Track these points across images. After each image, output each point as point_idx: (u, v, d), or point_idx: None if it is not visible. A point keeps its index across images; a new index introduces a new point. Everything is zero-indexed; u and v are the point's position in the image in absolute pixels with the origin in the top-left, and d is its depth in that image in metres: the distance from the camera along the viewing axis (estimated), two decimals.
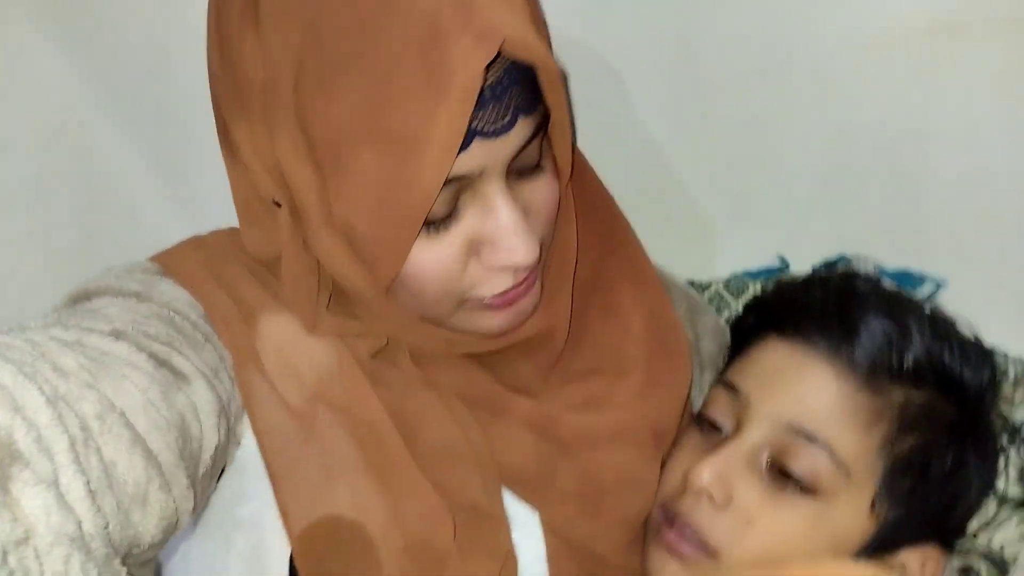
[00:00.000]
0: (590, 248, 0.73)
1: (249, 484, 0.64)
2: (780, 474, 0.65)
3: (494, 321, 0.66)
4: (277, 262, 0.67)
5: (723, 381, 0.71)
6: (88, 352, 0.53)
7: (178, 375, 0.58)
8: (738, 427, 0.68)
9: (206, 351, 0.62)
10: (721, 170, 0.90)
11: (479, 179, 0.59)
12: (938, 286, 0.86)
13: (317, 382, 0.64)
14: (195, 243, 0.72)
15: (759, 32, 0.82)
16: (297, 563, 0.61)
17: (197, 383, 0.58)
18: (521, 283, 0.65)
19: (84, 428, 0.48)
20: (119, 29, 0.93)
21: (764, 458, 0.66)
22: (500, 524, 0.65)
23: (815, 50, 0.81)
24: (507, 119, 0.58)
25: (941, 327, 0.69)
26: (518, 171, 0.62)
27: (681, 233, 0.87)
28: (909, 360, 0.66)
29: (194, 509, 0.56)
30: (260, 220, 0.66)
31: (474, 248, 0.62)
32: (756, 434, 0.66)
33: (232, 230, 0.73)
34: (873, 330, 0.66)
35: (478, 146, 0.57)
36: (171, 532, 0.54)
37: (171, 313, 0.62)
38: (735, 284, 0.93)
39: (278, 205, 0.62)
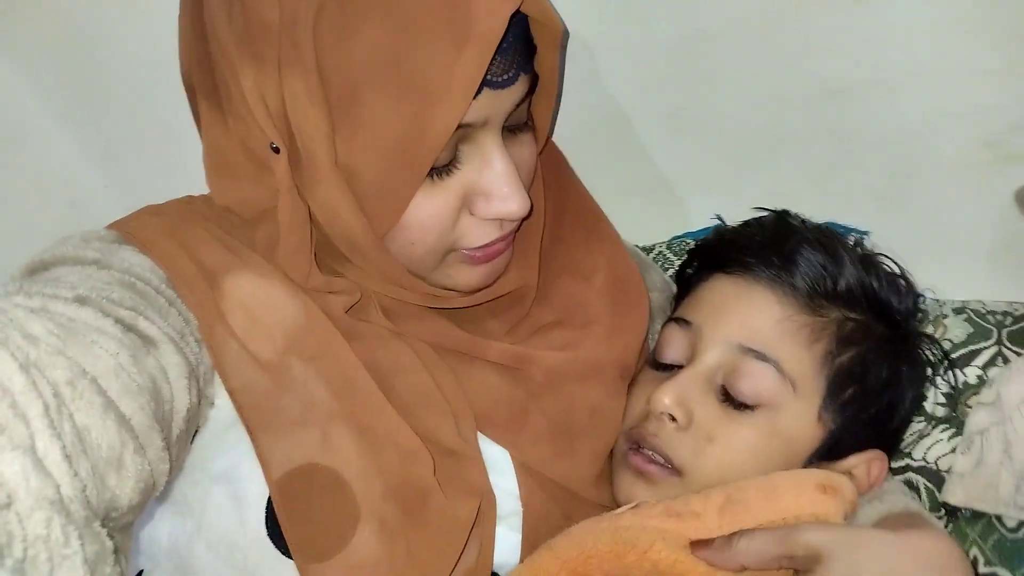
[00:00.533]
0: (550, 208, 0.77)
1: (224, 440, 0.65)
2: (734, 393, 0.70)
3: (471, 276, 0.69)
4: (255, 218, 0.68)
5: (674, 319, 0.76)
6: (55, 318, 0.52)
7: (145, 339, 0.57)
8: (692, 356, 0.73)
9: (171, 315, 0.62)
10: (666, 135, 0.94)
11: (480, 130, 0.62)
12: (862, 237, 0.92)
13: (288, 336, 0.65)
14: (152, 210, 0.72)
15: None
16: (276, 509, 0.62)
17: (165, 347, 0.58)
18: (503, 239, 0.68)
19: (56, 395, 0.48)
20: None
21: (719, 380, 0.71)
22: (476, 464, 0.67)
23: (755, 12, 0.84)
24: (512, 72, 0.61)
25: (868, 259, 0.76)
26: (509, 128, 0.65)
27: (628, 199, 0.91)
28: (842, 284, 0.72)
29: (169, 472, 0.56)
30: (245, 172, 0.66)
31: (468, 200, 0.64)
32: (710, 358, 0.71)
33: (188, 198, 0.74)
34: (809, 259, 0.72)
35: (486, 96, 0.60)
36: (148, 495, 0.54)
37: (132, 279, 0.61)
38: (677, 245, 0.98)
39: (276, 151, 0.63)
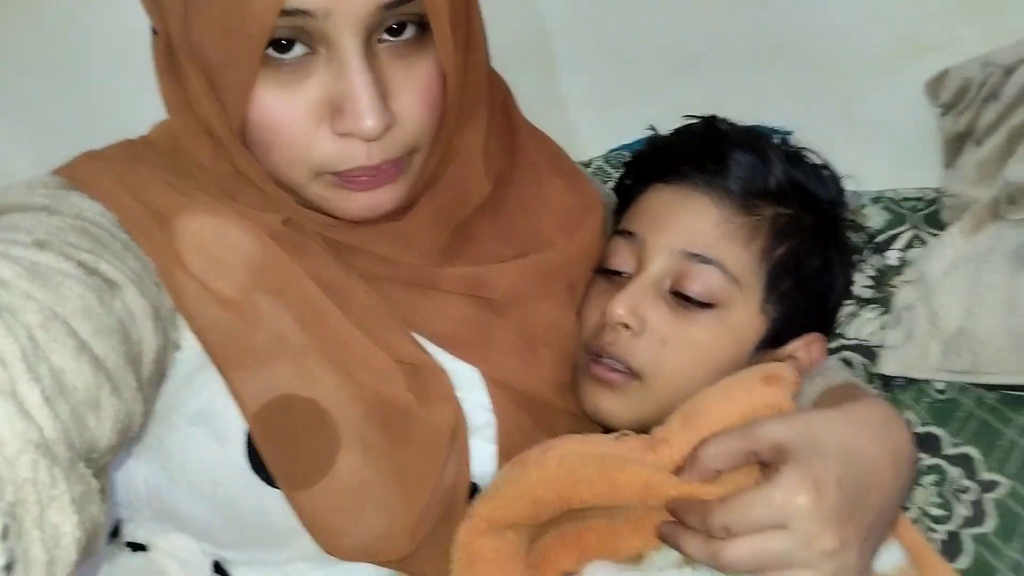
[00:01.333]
0: (503, 153, 0.76)
1: (194, 382, 0.64)
2: (682, 297, 0.74)
3: (350, 204, 0.65)
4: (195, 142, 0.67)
5: (619, 231, 0.80)
6: (20, 263, 0.51)
7: (109, 282, 0.56)
8: (639, 265, 0.76)
9: (128, 259, 0.60)
10: (593, 51, 0.97)
11: (332, 29, 0.58)
12: (786, 135, 0.96)
13: (250, 272, 0.64)
14: (93, 155, 0.69)
15: None
16: (256, 442, 0.62)
17: (128, 289, 0.57)
18: (376, 174, 0.64)
19: (31, 338, 0.47)
20: None
21: (666, 285, 0.74)
22: (439, 374, 0.68)
23: None
24: None
25: (795, 155, 0.80)
26: (387, 42, 0.61)
27: (561, 117, 0.93)
28: (772, 183, 0.76)
29: (143, 413, 0.56)
30: (160, 67, 0.66)
31: (326, 112, 0.61)
32: (656, 266, 0.75)
33: (128, 141, 0.72)
34: (740, 161, 0.75)
35: None
36: (125, 435, 0.54)
37: (85, 223, 0.59)
38: (614, 158, 1.02)
39: (155, 33, 0.63)
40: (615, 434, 0.71)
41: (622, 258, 0.78)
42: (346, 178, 0.63)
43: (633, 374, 0.73)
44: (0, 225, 0.57)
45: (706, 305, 0.74)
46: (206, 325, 0.63)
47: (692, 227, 0.75)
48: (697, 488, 0.64)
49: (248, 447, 0.63)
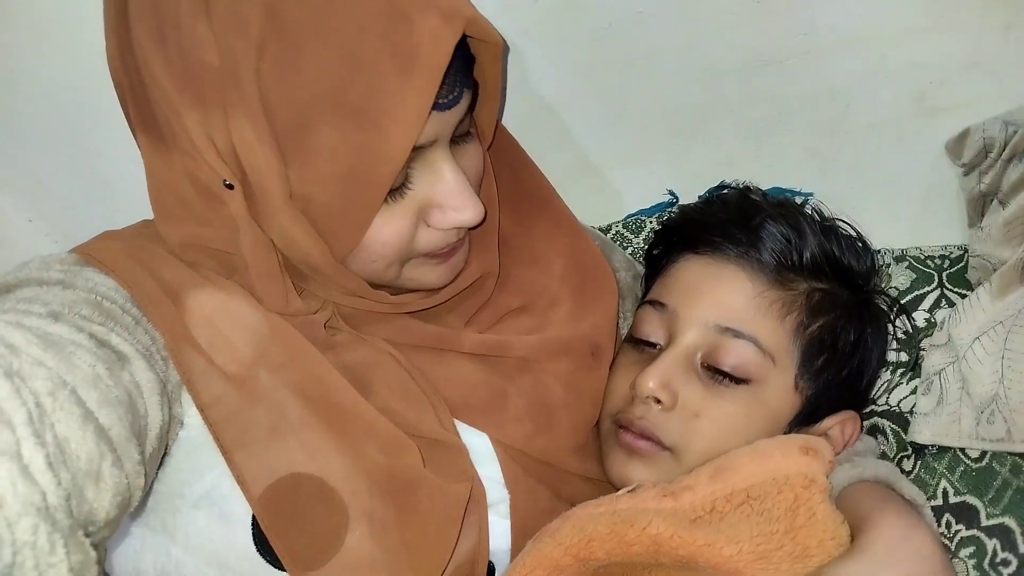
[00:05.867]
0: (507, 200, 0.78)
1: (200, 461, 0.65)
2: (715, 371, 0.73)
3: (434, 275, 0.71)
4: (208, 252, 0.68)
5: (649, 301, 0.79)
6: (33, 331, 0.52)
7: (119, 355, 0.57)
8: (670, 338, 0.76)
9: (138, 333, 0.62)
10: (606, 116, 0.96)
11: (428, 148, 0.63)
12: (807, 198, 0.96)
13: (254, 348, 0.65)
14: (110, 235, 0.71)
15: None
16: (262, 526, 0.62)
17: (137, 363, 0.58)
18: (460, 240, 0.70)
19: (38, 404, 0.48)
20: None
21: (698, 359, 0.74)
22: (460, 451, 0.69)
23: None
24: (456, 92, 0.63)
25: (827, 226, 0.80)
26: (455, 138, 0.67)
27: (578, 183, 0.93)
28: (807, 256, 0.76)
29: (144, 487, 0.56)
30: (196, 206, 0.66)
31: (423, 213, 0.66)
32: (689, 339, 0.74)
33: (144, 222, 0.73)
34: (774, 234, 0.75)
35: (433, 118, 0.61)
36: (124, 509, 0.54)
37: (98, 298, 0.61)
38: (633, 223, 1.01)
39: (229, 187, 0.63)
40: (628, 487, 0.70)
41: (652, 329, 0.77)
42: (433, 255, 0.69)
43: (664, 447, 0.73)
44: (17, 297, 0.59)
45: (740, 381, 0.73)
46: (209, 399, 0.64)
47: (726, 300, 0.74)
48: (710, 546, 0.63)
49: (254, 530, 0.63)
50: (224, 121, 0.61)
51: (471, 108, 0.67)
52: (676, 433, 0.72)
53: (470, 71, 0.65)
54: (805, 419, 0.75)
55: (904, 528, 0.62)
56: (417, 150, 0.62)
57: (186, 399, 0.65)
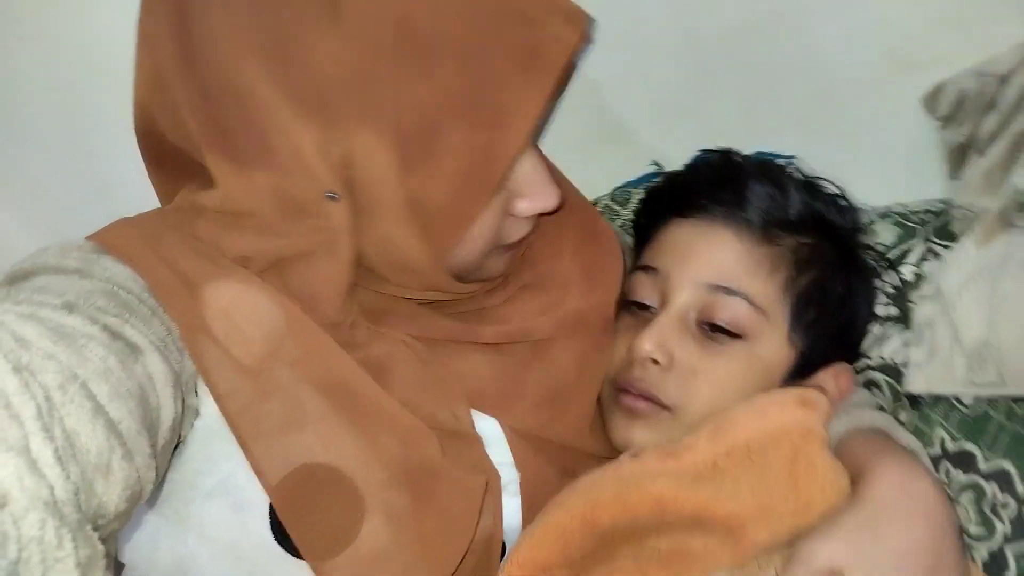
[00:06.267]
0: None
1: (216, 451, 0.65)
2: (710, 328, 0.74)
3: (500, 264, 0.73)
4: (272, 265, 0.67)
5: (640, 267, 0.80)
6: (45, 323, 0.52)
7: (132, 347, 0.57)
8: (664, 300, 0.77)
9: (154, 324, 0.61)
10: (591, 91, 0.96)
11: None
12: (789, 160, 0.97)
13: (270, 339, 0.65)
14: (127, 222, 0.70)
15: None
16: (279, 514, 0.62)
17: (151, 355, 0.58)
18: (534, 227, 0.72)
19: (48, 398, 0.48)
20: None
21: (692, 319, 0.75)
22: (476, 443, 0.70)
23: None
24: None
25: (811, 185, 0.81)
26: None
27: (564, 155, 0.94)
28: (792, 213, 0.77)
29: (155, 480, 0.56)
30: (271, 221, 0.65)
31: (508, 204, 0.68)
32: (682, 300, 0.75)
33: (160, 210, 0.73)
34: (759, 193, 0.76)
35: None
36: (134, 502, 0.54)
37: (115, 288, 0.61)
38: (620, 195, 1.02)
39: (332, 198, 0.63)
40: (630, 451, 0.71)
41: (646, 292, 0.78)
42: (508, 246, 0.71)
43: (663, 407, 0.74)
44: (32, 286, 0.59)
45: (734, 336, 0.74)
46: (226, 391, 0.63)
47: (715, 260, 0.75)
48: (713, 501, 0.64)
49: (271, 518, 0.63)
50: (345, 133, 0.61)
51: None
52: (675, 392, 0.73)
53: None
54: (799, 373, 0.76)
55: (903, 474, 0.63)
56: None
57: (202, 389, 0.65)
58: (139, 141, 0.71)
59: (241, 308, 0.65)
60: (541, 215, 0.72)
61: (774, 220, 0.76)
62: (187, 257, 0.66)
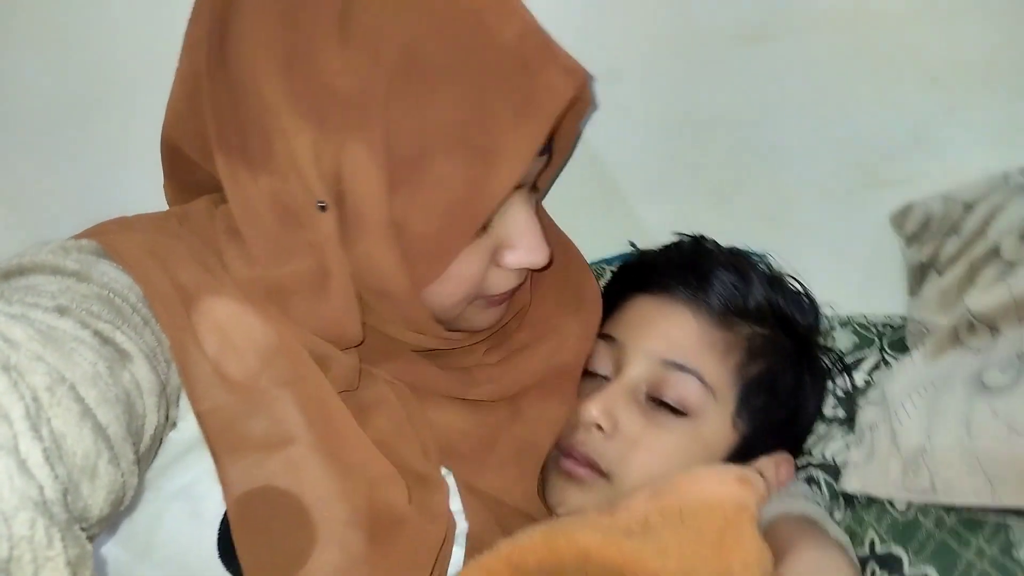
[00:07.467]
0: None
1: (183, 462, 0.65)
2: (657, 403, 0.77)
3: (487, 317, 0.74)
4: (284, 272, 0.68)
5: (601, 335, 0.83)
6: (35, 325, 0.52)
7: (122, 353, 0.57)
8: (618, 369, 0.79)
9: (145, 334, 0.61)
10: (571, 167, 1.00)
11: (513, 191, 0.67)
12: (761, 257, 1.00)
13: (261, 359, 0.65)
14: (126, 224, 0.71)
15: (628, 30, 0.93)
16: (232, 527, 0.62)
17: (140, 362, 0.58)
18: (520, 283, 0.74)
19: (35, 399, 0.48)
20: None
21: (643, 390, 0.77)
22: (441, 488, 0.71)
23: (661, 48, 0.93)
24: (549, 141, 0.68)
25: (776, 279, 0.85)
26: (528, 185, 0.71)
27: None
28: (752, 302, 0.80)
29: (136, 486, 0.56)
30: (268, 227, 0.67)
31: (496, 253, 0.69)
32: (635, 371, 0.78)
33: (163, 213, 0.74)
34: (722, 279, 0.80)
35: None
36: (117, 506, 0.54)
37: (111, 294, 0.61)
38: (595, 270, 1.05)
39: (322, 209, 0.65)
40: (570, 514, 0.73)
41: (603, 361, 0.81)
42: (493, 298, 0.72)
43: (601, 473, 0.75)
44: (27, 285, 0.59)
45: (680, 413, 0.77)
46: (208, 408, 0.64)
47: (672, 336, 0.78)
48: (639, 556, 0.65)
49: (220, 535, 0.63)
50: (338, 144, 0.63)
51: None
52: (614, 460, 0.75)
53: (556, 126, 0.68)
54: (740, 456, 0.78)
55: (822, 558, 0.65)
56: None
57: (183, 403, 0.65)
58: (162, 151, 0.73)
59: (236, 324, 0.66)
60: (532, 271, 0.74)
61: (733, 307, 0.79)
62: (187, 266, 0.67)
